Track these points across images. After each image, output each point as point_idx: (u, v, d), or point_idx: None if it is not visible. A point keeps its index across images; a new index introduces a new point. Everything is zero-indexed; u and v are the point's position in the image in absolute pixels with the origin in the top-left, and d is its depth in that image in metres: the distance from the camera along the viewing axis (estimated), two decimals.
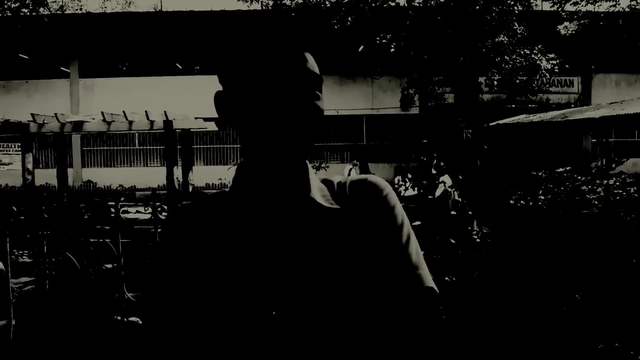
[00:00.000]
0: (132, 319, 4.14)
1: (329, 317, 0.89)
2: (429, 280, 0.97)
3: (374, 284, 0.93)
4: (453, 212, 8.61)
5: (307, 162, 1.02)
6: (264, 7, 20.62)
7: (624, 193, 8.43)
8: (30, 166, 11.09)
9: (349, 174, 12.15)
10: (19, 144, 11.82)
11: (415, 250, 0.99)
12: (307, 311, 0.88)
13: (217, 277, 0.91)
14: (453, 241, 4.25)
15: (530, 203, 6.35)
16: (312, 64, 0.97)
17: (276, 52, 0.92)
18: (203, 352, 0.90)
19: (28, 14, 16.54)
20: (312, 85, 0.95)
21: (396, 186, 11.20)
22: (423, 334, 0.93)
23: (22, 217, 4.01)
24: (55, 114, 10.84)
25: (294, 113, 0.91)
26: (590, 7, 16.79)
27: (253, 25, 19.87)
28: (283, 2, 16.61)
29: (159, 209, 3.78)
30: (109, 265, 4.01)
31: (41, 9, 17.18)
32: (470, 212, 6.76)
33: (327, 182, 1.04)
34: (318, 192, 0.99)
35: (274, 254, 0.91)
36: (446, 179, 9.21)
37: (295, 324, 0.88)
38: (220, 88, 1.01)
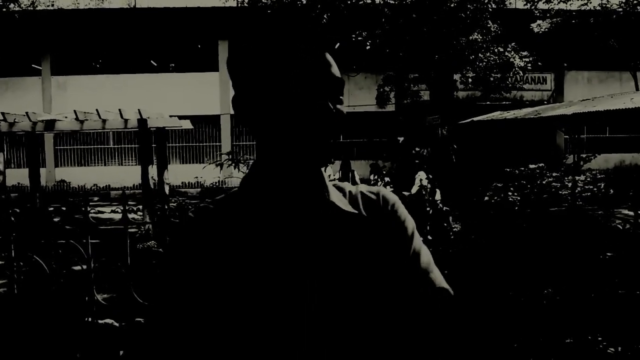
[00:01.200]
0: (107, 320, 4.10)
1: (349, 320, 0.90)
2: (443, 282, 0.99)
3: (390, 288, 0.95)
4: (428, 209, 8.68)
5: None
6: (239, 4, 20.51)
7: (595, 189, 8.59)
8: (1, 166, 10.87)
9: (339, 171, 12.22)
10: None
11: (427, 258, 1.01)
12: (328, 315, 0.88)
13: (233, 282, 0.89)
14: (430, 238, 4.29)
15: (502, 199, 6.44)
16: (335, 67, 0.95)
17: (301, 54, 0.90)
18: (215, 355, 0.90)
19: None
20: (336, 89, 0.93)
21: (372, 183, 11.24)
22: (441, 332, 0.95)
23: None
24: (27, 113, 10.63)
25: (320, 117, 0.89)
26: (562, 6, 17.08)
27: (231, 22, 19.76)
28: None
29: (132, 209, 3.74)
30: (78, 268, 3.96)
31: (11, 5, 16.84)
32: (444, 209, 6.82)
33: (339, 189, 1.04)
34: (336, 197, 0.99)
35: (294, 256, 0.90)
36: (422, 175, 9.27)
37: (315, 327, 0.88)
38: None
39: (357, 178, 11.83)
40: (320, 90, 0.90)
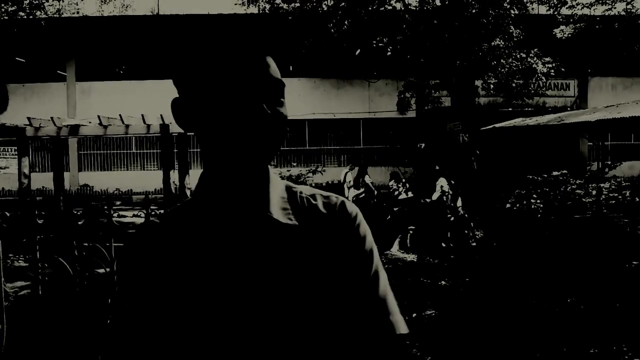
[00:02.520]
0: None
1: (284, 339, 0.86)
2: (402, 325, 0.93)
3: (334, 311, 0.90)
4: (449, 216, 8.63)
5: (270, 169, 0.98)
6: (260, 11, 20.66)
7: (620, 197, 8.44)
8: (26, 170, 11.05)
9: (345, 178, 12.17)
10: (16, 148, 11.78)
11: (384, 286, 0.95)
12: (262, 332, 0.86)
13: (176, 294, 0.88)
14: (444, 245, 4.25)
15: (525, 207, 6.35)
16: (274, 69, 0.91)
17: (237, 56, 0.88)
18: None
19: (25, 17, 16.55)
20: (275, 91, 0.90)
21: (391, 190, 11.20)
22: None
23: (18, 222, 4.01)
24: (52, 118, 10.80)
25: (255, 121, 0.86)
26: (586, 11, 16.87)
27: (252, 29, 19.90)
28: (280, 5, 16.65)
29: (153, 213, 3.78)
30: (102, 270, 4.00)
31: (38, 13, 17.19)
32: (465, 216, 6.77)
33: (291, 193, 1.00)
34: (277, 206, 0.94)
35: (230, 270, 0.87)
36: (443, 182, 9.22)
37: (251, 344, 0.85)
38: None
39: (368, 181, 11.76)
40: (255, 93, 0.87)
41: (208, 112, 0.87)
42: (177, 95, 0.98)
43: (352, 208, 0.99)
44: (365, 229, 0.98)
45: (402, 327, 0.93)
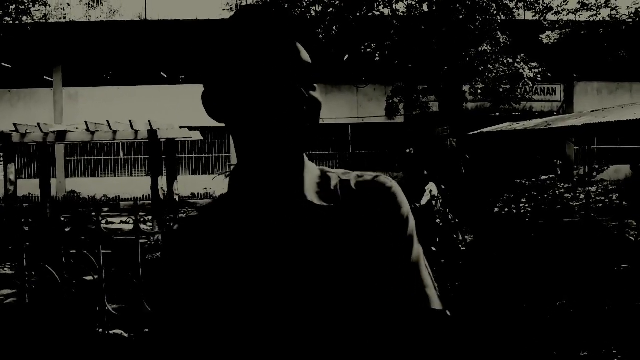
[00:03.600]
0: (116, 331, 4.10)
1: (326, 323, 0.86)
2: (438, 302, 0.92)
3: (375, 292, 0.89)
4: (438, 221, 8.64)
5: (305, 156, 0.96)
6: None
7: (607, 200, 8.52)
8: (12, 177, 10.96)
9: None
10: (1, 154, 11.69)
11: (424, 267, 0.94)
12: (303, 316, 0.86)
13: (218, 286, 0.88)
14: (434, 249, 4.26)
15: (514, 211, 6.39)
16: (305, 54, 0.90)
17: (270, 39, 0.86)
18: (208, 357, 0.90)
19: (11, 22, 16.40)
20: (308, 76, 0.88)
21: None
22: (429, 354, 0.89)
23: (4, 229, 3.97)
24: (38, 124, 10.73)
25: (290, 106, 0.84)
26: (571, 17, 17.07)
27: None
28: None
29: (142, 219, 3.75)
30: (90, 278, 3.96)
31: (24, 18, 17.04)
32: (455, 221, 6.78)
33: (326, 177, 0.97)
34: (312, 189, 0.93)
35: (270, 256, 0.87)
36: (432, 187, 9.23)
37: (292, 330, 0.86)
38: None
39: None
40: (289, 75, 0.85)
41: (241, 99, 0.85)
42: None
43: (392, 184, 0.97)
44: (406, 207, 0.96)
45: (436, 303, 0.91)
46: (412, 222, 0.95)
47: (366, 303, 0.88)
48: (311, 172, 0.96)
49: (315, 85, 0.90)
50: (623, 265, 3.63)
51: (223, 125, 0.96)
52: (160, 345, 0.93)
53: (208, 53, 0.91)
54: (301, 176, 0.93)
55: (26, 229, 3.72)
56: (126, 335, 4.07)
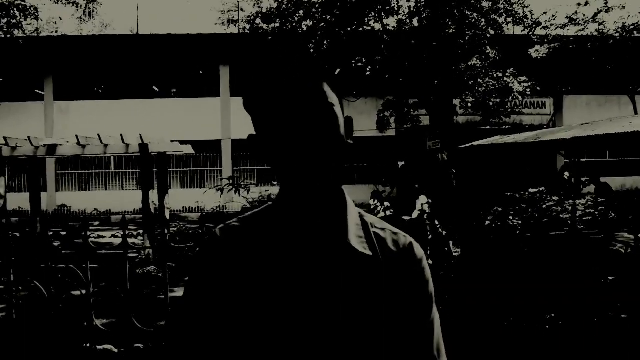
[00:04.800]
0: (105, 346, 4.06)
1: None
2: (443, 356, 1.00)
3: (392, 345, 0.95)
4: (429, 234, 8.66)
5: (345, 194, 1.04)
6: (240, 31, 20.77)
7: (596, 213, 8.58)
8: (2, 190, 10.88)
9: None
10: None
11: (438, 333, 1.01)
12: (327, 355, 0.90)
13: (247, 301, 0.93)
14: (430, 262, 4.28)
15: (503, 224, 6.43)
16: (331, 93, 0.99)
17: (302, 91, 0.95)
18: None
19: (2, 36, 16.39)
20: (333, 117, 0.97)
21: (372, 208, 11.24)
22: None
23: None
24: (29, 137, 10.69)
25: (323, 147, 0.93)
26: (560, 31, 17.27)
27: (231, 49, 19.96)
28: (260, 26, 16.76)
29: (132, 234, 3.74)
30: (78, 293, 3.94)
31: (16, 31, 17.03)
32: (444, 233, 6.81)
33: (364, 222, 1.04)
34: (354, 233, 0.99)
35: (303, 292, 0.92)
36: (423, 200, 9.27)
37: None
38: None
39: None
40: (321, 123, 0.94)
41: (282, 144, 0.94)
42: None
43: (420, 251, 1.04)
44: (428, 274, 1.03)
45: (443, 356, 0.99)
46: (432, 291, 1.03)
47: (385, 349, 0.93)
48: (352, 214, 1.03)
49: (338, 122, 0.98)
50: (610, 278, 3.65)
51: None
52: (181, 344, 0.97)
53: (257, 105, 0.99)
54: (345, 217, 1.00)
55: (13, 244, 3.70)
56: (116, 350, 4.04)
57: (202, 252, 1.02)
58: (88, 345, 3.82)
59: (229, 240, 1.00)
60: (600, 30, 17.32)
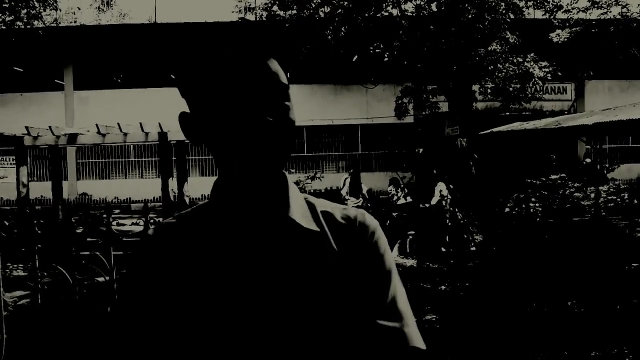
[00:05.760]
0: None
1: (296, 343, 0.86)
2: (417, 338, 0.92)
3: (347, 319, 0.89)
4: (447, 221, 8.62)
5: (287, 177, 0.98)
6: (257, 18, 20.74)
7: (618, 199, 8.45)
8: (24, 179, 11.05)
9: (344, 183, 12.16)
10: (14, 157, 11.78)
11: (403, 301, 0.95)
12: (273, 334, 0.86)
13: (191, 295, 0.88)
14: (443, 249, 4.26)
15: (524, 211, 6.36)
16: (280, 72, 0.92)
17: (241, 64, 0.88)
18: None
19: (22, 27, 16.56)
20: (281, 96, 0.90)
21: (390, 195, 11.20)
22: None
23: (16, 231, 4.01)
24: (50, 127, 10.83)
25: (264, 127, 0.87)
26: (582, 15, 16.92)
27: (249, 36, 19.92)
28: (277, 13, 16.70)
29: (152, 220, 3.78)
30: (102, 279, 4.00)
31: (35, 22, 17.19)
32: (463, 221, 6.77)
33: (310, 204, 1.00)
34: (298, 211, 0.95)
35: (247, 273, 0.87)
36: (442, 186, 9.22)
37: (261, 347, 0.85)
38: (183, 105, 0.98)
39: (364, 190, 11.76)
40: (258, 101, 0.87)
41: (217, 121, 0.88)
42: (183, 109, 0.99)
43: (372, 221, 0.99)
44: (384, 243, 0.98)
45: (416, 340, 0.92)
46: (391, 259, 0.98)
47: (339, 331, 0.88)
48: (296, 196, 0.98)
49: (288, 103, 0.91)
50: (634, 264, 3.61)
51: (182, 132, 0.98)
52: (127, 353, 0.91)
53: (192, 81, 0.93)
54: (286, 196, 0.95)
55: (38, 231, 3.76)
56: None
57: (135, 255, 0.96)
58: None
59: (163, 237, 0.95)
60: (624, 13, 16.93)
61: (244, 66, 0.88)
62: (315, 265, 0.90)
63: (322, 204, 1.01)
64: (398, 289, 0.96)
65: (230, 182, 0.94)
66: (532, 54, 14.56)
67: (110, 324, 3.91)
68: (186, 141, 11.34)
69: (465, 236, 8.06)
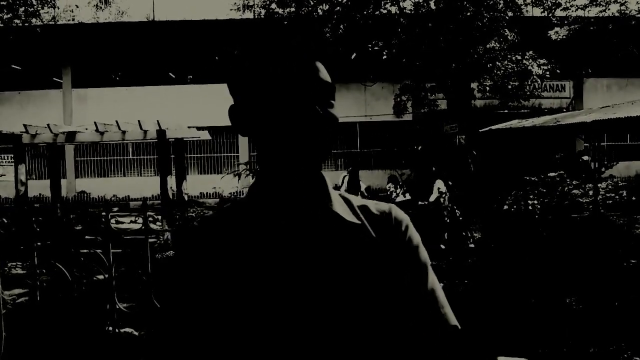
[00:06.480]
0: (126, 329, 4.13)
1: (344, 335, 0.89)
2: (454, 319, 1.00)
3: (393, 310, 0.95)
4: (446, 219, 8.63)
5: (325, 178, 1.02)
6: (256, 16, 20.70)
7: (617, 196, 8.46)
8: (23, 177, 11.04)
9: (342, 182, 12.16)
10: (12, 155, 11.77)
11: (440, 290, 1.01)
12: (322, 326, 0.89)
13: (234, 290, 0.90)
14: (442, 247, 4.26)
15: (523, 208, 6.36)
16: (325, 73, 0.97)
17: (290, 62, 0.93)
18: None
19: (20, 24, 16.54)
20: (326, 94, 0.95)
21: (388, 193, 11.21)
22: None
23: (14, 229, 4.00)
24: (48, 125, 10.81)
25: (309, 122, 0.91)
26: (580, 12, 16.91)
27: (246, 34, 19.91)
28: (275, 10, 16.67)
29: (150, 218, 3.78)
30: (101, 277, 3.99)
31: (33, 20, 17.17)
32: (462, 218, 6.77)
33: (346, 200, 1.04)
34: (339, 205, 1.00)
35: (292, 266, 0.91)
36: (440, 184, 9.23)
37: (309, 339, 0.88)
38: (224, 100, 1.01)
39: (362, 188, 11.76)
40: (308, 96, 0.91)
41: (265, 116, 0.92)
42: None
43: (404, 216, 1.06)
44: (417, 237, 1.04)
45: (454, 320, 1.00)
46: (424, 251, 1.04)
47: (381, 320, 0.93)
48: (334, 192, 1.02)
49: (333, 102, 0.96)
50: (632, 261, 3.61)
51: (231, 125, 1.01)
52: (167, 345, 0.93)
53: (240, 75, 0.98)
54: (327, 192, 1.00)
55: (37, 229, 3.76)
56: (136, 333, 4.10)
57: (177, 248, 0.99)
58: (110, 328, 3.88)
59: (207, 229, 0.98)
60: (622, 11, 16.92)
61: (294, 62, 0.93)
62: (358, 256, 0.95)
63: (356, 200, 1.06)
64: (434, 278, 1.02)
65: (274, 177, 0.98)
66: (530, 52, 14.54)
67: (107, 322, 3.91)
68: (185, 139, 11.34)
69: (464, 233, 8.07)
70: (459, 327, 0.99)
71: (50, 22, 20.12)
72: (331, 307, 0.89)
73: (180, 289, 0.95)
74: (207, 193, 20.48)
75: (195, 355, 0.92)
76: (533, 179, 9.05)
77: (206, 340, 0.91)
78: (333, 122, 0.94)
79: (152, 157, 21.00)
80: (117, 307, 3.82)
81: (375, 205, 1.05)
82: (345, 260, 0.93)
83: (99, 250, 3.78)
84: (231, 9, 18.99)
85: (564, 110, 20.21)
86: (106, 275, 3.79)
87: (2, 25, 16.12)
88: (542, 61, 14.59)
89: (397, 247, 0.99)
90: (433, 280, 1.01)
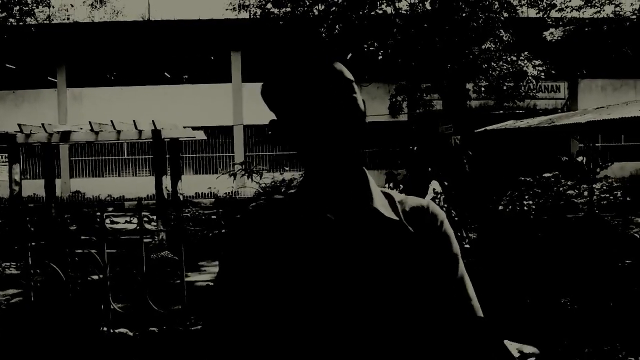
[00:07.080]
0: (121, 330, 4.11)
1: (383, 327, 0.96)
2: (480, 310, 1.06)
3: (427, 301, 1.01)
4: None
5: (367, 172, 1.10)
6: (252, 16, 20.68)
7: (611, 197, 8.49)
8: (17, 177, 10.99)
9: None
10: (6, 155, 11.71)
11: (469, 282, 1.08)
12: (363, 320, 0.95)
13: (281, 279, 0.98)
14: None
15: (517, 208, 6.38)
16: (344, 70, 1.05)
17: (312, 71, 1.00)
18: (263, 353, 0.99)
19: (15, 23, 16.46)
20: (348, 89, 1.02)
21: None
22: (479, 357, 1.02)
23: (8, 229, 3.99)
24: (43, 124, 10.76)
25: (338, 117, 0.99)
26: (575, 14, 16.98)
27: (243, 34, 19.90)
28: (271, 10, 16.67)
29: (145, 218, 3.77)
30: (95, 277, 3.98)
31: (28, 19, 17.10)
32: (457, 219, 6.77)
33: (387, 195, 1.11)
34: (380, 202, 1.05)
35: (334, 260, 0.97)
36: (435, 184, 9.23)
37: (350, 332, 0.95)
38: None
39: None
40: (339, 103, 0.99)
41: (298, 124, 1.01)
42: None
43: (440, 212, 1.12)
44: (451, 232, 1.10)
45: (481, 311, 1.06)
46: (457, 245, 1.11)
47: (419, 310, 1.00)
48: (375, 188, 1.09)
49: (355, 95, 1.04)
50: (627, 261, 3.62)
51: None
52: (218, 330, 1.02)
53: (279, 95, 1.05)
54: (368, 189, 1.07)
55: (31, 228, 3.74)
56: (131, 334, 4.08)
57: (237, 227, 1.07)
58: (105, 328, 3.86)
59: (261, 216, 1.07)
60: (617, 12, 17.00)
61: (315, 73, 1.01)
62: (397, 251, 1.01)
63: (397, 196, 1.13)
64: (464, 270, 1.09)
65: (316, 177, 1.06)
66: (525, 53, 14.58)
67: (102, 321, 3.89)
68: (180, 139, 11.31)
69: (459, 233, 8.07)
70: (483, 317, 1.05)
71: (45, 21, 20.04)
72: (370, 301, 0.96)
73: (232, 272, 1.05)
74: (202, 193, 20.44)
75: (244, 326, 1.00)
76: (528, 179, 9.08)
77: (254, 314, 1.00)
78: (357, 114, 1.03)
79: (147, 157, 20.94)
80: (112, 307, 3.81)
81: (414, 201, 1.11)
82: (384, 254, 0.99)
83: (93, 251, 3.77)
84: (227, 9, 18.99)
85: (559, 111, 20.27)
86: (101, 276, 3.78)
87: None
88: (537, 62, 14.63)
89: (433, 241, 1.06)
90: (463, 272, 1.07)
